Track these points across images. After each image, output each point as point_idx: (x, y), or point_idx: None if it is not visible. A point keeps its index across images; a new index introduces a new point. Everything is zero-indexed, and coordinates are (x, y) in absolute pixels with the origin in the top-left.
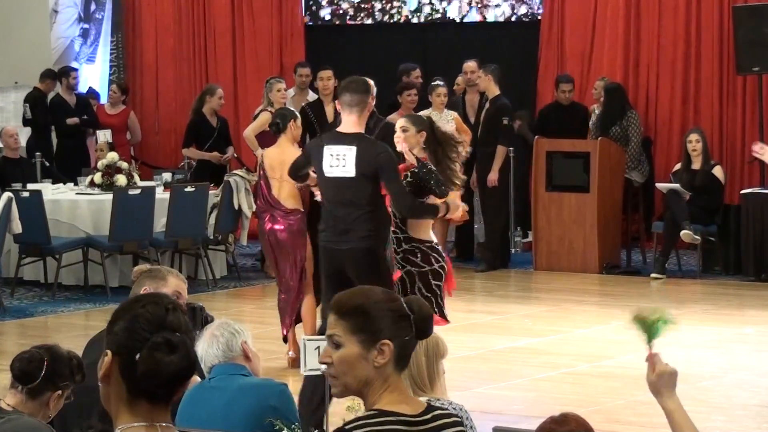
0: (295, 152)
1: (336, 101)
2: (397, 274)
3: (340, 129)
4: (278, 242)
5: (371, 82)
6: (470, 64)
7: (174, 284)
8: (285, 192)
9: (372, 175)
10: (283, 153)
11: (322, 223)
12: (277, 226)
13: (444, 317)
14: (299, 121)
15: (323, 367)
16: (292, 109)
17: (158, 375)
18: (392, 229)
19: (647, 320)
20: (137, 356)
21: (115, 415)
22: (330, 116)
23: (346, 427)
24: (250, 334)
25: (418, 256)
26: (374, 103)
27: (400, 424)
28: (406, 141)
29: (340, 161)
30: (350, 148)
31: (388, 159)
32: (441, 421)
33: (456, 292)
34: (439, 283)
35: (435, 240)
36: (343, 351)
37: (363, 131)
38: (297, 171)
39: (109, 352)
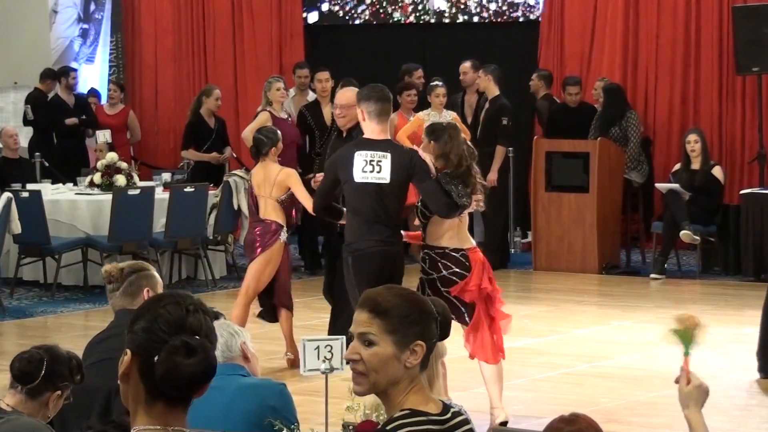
0: (276, 169)
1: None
2: None
3: (367, 136)
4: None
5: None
6: (465, 65)
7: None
8: (269, 208)
9: (405, 181)
10: (266, 170)
11: (352, 234)
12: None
13: (464, 322)
14: (280, 144)
15: (323, 366)
16: (276, 130)
17: (176, 378)
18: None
19: (684, 330)
20: (155, 358)
21: (133, 415)
22: (327, 117)
23: (387, 427)
24: (249, 334)
25: (427, 263)
26: None
27: (432, 424)
28: (425, 151)
29: (375, 167)
30: (385, 154)
31: (420, 161)
32: (458, 419)
33: None
34: (448, 289)
35: (452, 246)
36: (376, 349)
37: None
38: (328, 195)
39: (128, 351)
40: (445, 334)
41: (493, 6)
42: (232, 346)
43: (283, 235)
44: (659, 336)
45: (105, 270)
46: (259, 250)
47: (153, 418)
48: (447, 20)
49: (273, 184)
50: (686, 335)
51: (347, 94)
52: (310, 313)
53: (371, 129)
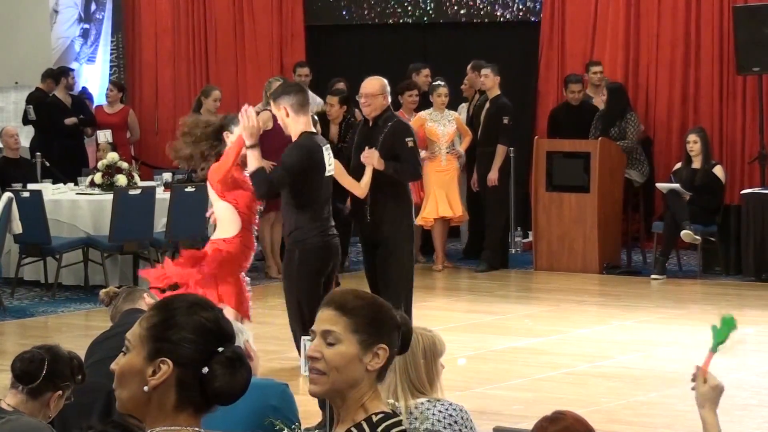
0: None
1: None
2: None
3: (308, 130)
4: None
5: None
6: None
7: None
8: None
9: None
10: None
11: (317, 223)
12: None
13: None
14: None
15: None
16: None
17: (232, 389)
18: None
19: (722, 329)
20: (204, 370)
21: (150, 421)
22: (333, 136)
23: (380, 427)
24: (252, 333)
25: None
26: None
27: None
28: None
29: (330, 160)
30: (327, 146)
31: None
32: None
33: (457, 292)
34: None
35: None
36: (339, 348)
37: None
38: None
39: (168, 362)
40: (405, 346)
41: (494, 6)
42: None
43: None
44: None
45: (103, 291)
46: None
47: (175, 423)
48: (448, 20)
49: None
50: (722, 334)
51: (372, 82)
52: None
53: (304, 122)
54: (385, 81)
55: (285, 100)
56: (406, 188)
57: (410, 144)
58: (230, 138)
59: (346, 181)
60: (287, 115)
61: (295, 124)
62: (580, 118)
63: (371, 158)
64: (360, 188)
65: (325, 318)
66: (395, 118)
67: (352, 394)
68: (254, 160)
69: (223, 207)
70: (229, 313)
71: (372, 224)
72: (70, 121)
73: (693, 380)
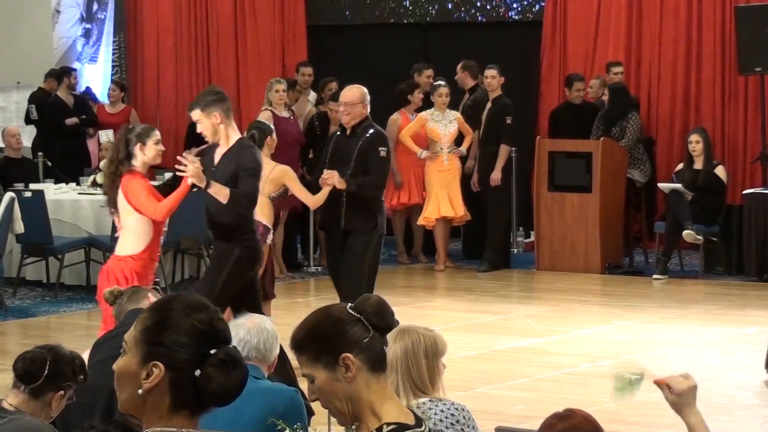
0: (270, 165)
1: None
2: None
3: (239, 136)
4: None
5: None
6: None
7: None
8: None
9: None
10: None
11: (254, 225)
12: None
13: None
14: (275, 134)
15: None
16: (268, 123)
17: (223, 393)
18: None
19: (621, 386)
20: (197, 373)
21: (146, 422)
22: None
23: None
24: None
25: None
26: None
27: None
28: None
29: None
30: None
31: None
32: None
33: (459, 292)
34: None
35: None
36: (317, 382)
37: None
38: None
39: (160, 365)
40: (382, 326)
41: (495, 5)
42: (271, 350)
43: (270, 238)
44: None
45: (107, 291)
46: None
47: (170, 425)
48: (450, 20)
49: (266, 179)
50: (624, 389)
51: (352, 91)
52: None
53: (235, 127)
54: (365, 90)
55: (217, 108)
56: (381, 200)
57: (382, 153)
58: (146, 150)
59: (300, 190)
60: (220, 122)
61: (230, 130)
62: (581, 117)
63: (332, 180)
64: (312, 200)
65: (299, 363)
66: (373, 128)
67: (358, 407)
68: (218, 192)
69: (136, 220)
70: None
71: (344, 233)
72: (71, 121)
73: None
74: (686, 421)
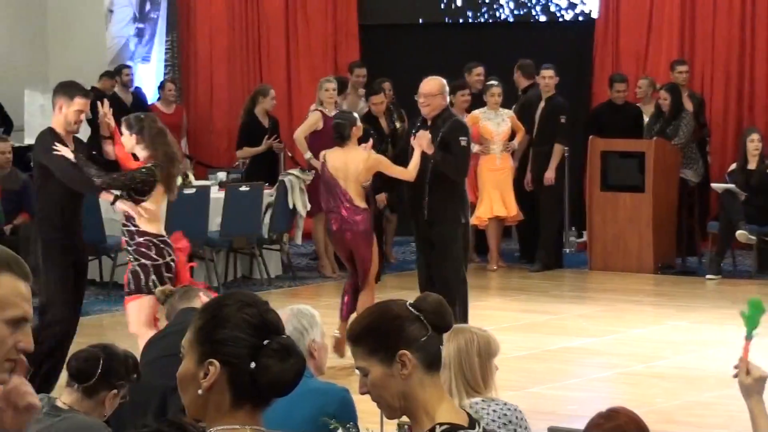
0: (360, 152)
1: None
2: None
3: None
4: (345, 242)
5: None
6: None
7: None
8: (351, 192)
9: None
10: (347, 154)
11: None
12: (348, 235)
13: None
14: (359, 121)
15: None
16: (351, 112)
17: (281, 382)
18: (122, 221)
19: (751, 314)
20: (252, 365)
21: (209, 421)
22: (384, 127)
23: None
24: (320, 322)
25: (152, 249)
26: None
27: None
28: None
29: None
30: None
31: None
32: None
33: (511, 292)
34: (171, 275)
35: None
36: (370, 376)
37: None
38: None
39: (215, 362)
40: (441, 325)
41: (549, 5)
42: (299, 347)
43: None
44: (715, 336)
45: (159, 290)
46: (369, 239)
47: (234, 421)
48: (502, 19)
49: (359, 169)
50: (753, 319)
51: (431, 83)
52: None
53: None
54: (444, 81)
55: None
56: (463, 188)
57: (463, 143)
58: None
59: (395, 170)
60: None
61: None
62: (622, 118)
63: (422, 139)
64: (409, 173)
65: (352, 354)
66: (453, 117)
67: (411, 405)
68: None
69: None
70: None
71: (428, 223)
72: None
73: (735, 370)
74: (751, 406)
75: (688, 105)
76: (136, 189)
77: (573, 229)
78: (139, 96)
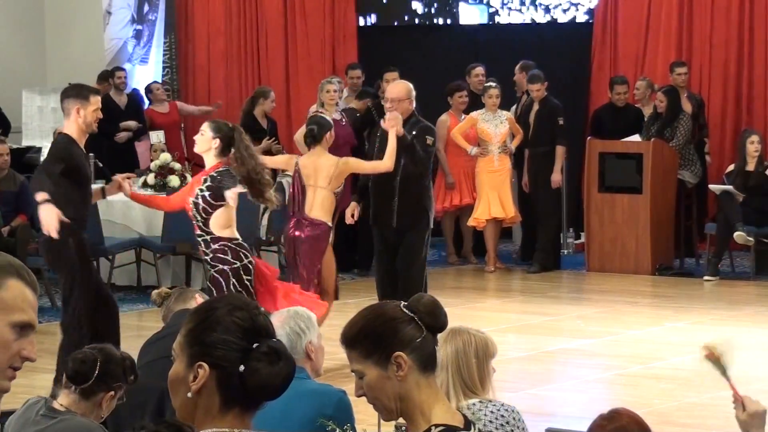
0: (330, 159)
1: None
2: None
3: None
4: (298, 250)
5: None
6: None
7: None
8: (318, 201)
9: None
10: (318, 160)
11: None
12: (298, 233)
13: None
14: (333, 131)
15: None
16: (327, 118)
17: (269, 385)
18: (197, 232)
19: (713, 359)
20: (241, 368)
21: (198, 424)
22: None
23: None
24: (319, 332)
25: (229, 254)
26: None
27: None
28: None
29: None
30: None
31: None
32: None
33: (509, 293)
34: (250, 277)
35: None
36: (366, 379)
37: None
38: None
39: (205, 365)
40: (436, 326)
41: (546, 6)
42: (297, 348)
43: (331, 237)
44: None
45: (155, 292)
46: (317, 255)
47: (223, 425)
48: (501, 21)
49: (332, 176)
50: (720, 365)
51: (398, 87)
52: None
53: None
54: (411, 86)
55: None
56: (431, 192)
57: (429, 142)
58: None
59: (367, 166)
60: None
61: None
62: (623, 119)
63: (392, 120)
64: (384, 163)
65: (347, 358)
66: (420, 123)
67: (407, 406)
68: None
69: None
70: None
71: (397, 231)
72: (121, 137)
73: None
74: None
75: (687, 106)
76: (216, 192)
77: (571, 230)
78: (135, 98)
